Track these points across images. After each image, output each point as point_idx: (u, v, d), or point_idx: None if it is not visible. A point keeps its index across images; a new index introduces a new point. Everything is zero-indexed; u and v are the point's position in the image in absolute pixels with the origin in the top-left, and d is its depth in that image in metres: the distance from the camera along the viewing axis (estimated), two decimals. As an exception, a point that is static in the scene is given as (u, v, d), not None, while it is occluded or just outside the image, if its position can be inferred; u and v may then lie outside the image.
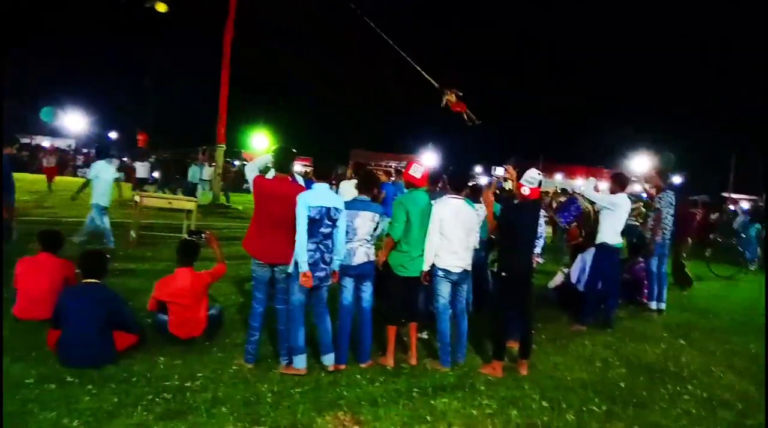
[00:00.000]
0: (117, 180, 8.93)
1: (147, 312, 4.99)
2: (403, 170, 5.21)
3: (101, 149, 9.85)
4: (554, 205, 12.14)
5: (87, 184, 8.46)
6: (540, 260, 6.45)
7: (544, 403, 4.08)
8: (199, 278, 4.82)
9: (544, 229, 5.77)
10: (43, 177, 19.48)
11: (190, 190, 16.65)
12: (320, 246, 4.21)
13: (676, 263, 9.51)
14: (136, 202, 9.64)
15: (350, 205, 4.50)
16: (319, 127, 42.55)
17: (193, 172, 17.53)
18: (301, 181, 4.69)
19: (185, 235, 8.25)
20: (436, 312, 4.85)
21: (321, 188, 4.26)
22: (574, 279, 6.94)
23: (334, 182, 9.54)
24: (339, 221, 4.27)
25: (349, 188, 5.23)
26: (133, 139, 30.88)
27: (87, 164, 34.97)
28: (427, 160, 33.98)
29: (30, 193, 16.27)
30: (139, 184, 16.83)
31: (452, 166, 5.39)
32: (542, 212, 5.71)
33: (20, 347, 4.27)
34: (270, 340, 4.79)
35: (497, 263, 5.14)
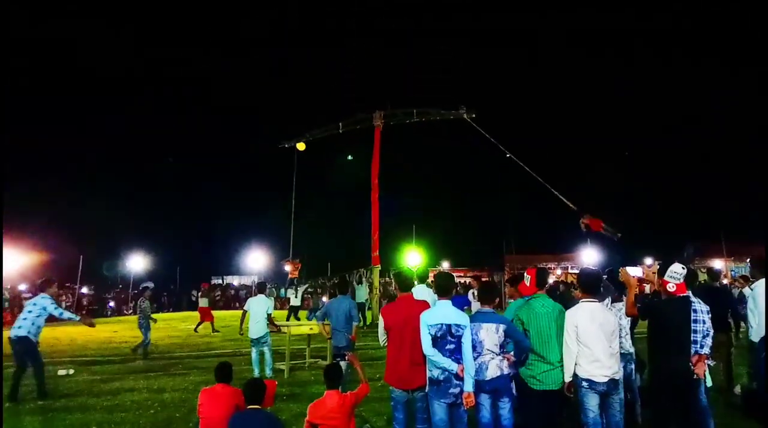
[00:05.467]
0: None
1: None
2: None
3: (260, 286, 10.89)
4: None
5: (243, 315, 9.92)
6: (710, 362, 5.71)
7: None
8: (345, 399, 5.14)
9: (710, 326, 5.17)
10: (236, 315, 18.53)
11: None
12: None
13: None
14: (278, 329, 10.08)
15: (473, 318, 4.58)
16: (468, 237, 42.82)
17: (359, 293, 18.16)
18: (425, 295, 4.91)
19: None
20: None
21: (442, 305, 4.44)
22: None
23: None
24: (464, 337, 4.33)
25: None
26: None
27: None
28: (588, 258, 32.18)
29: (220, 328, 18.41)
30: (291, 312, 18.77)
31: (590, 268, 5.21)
32: (704, 307, 5.18)
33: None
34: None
35: (648, 369, 4.73)
